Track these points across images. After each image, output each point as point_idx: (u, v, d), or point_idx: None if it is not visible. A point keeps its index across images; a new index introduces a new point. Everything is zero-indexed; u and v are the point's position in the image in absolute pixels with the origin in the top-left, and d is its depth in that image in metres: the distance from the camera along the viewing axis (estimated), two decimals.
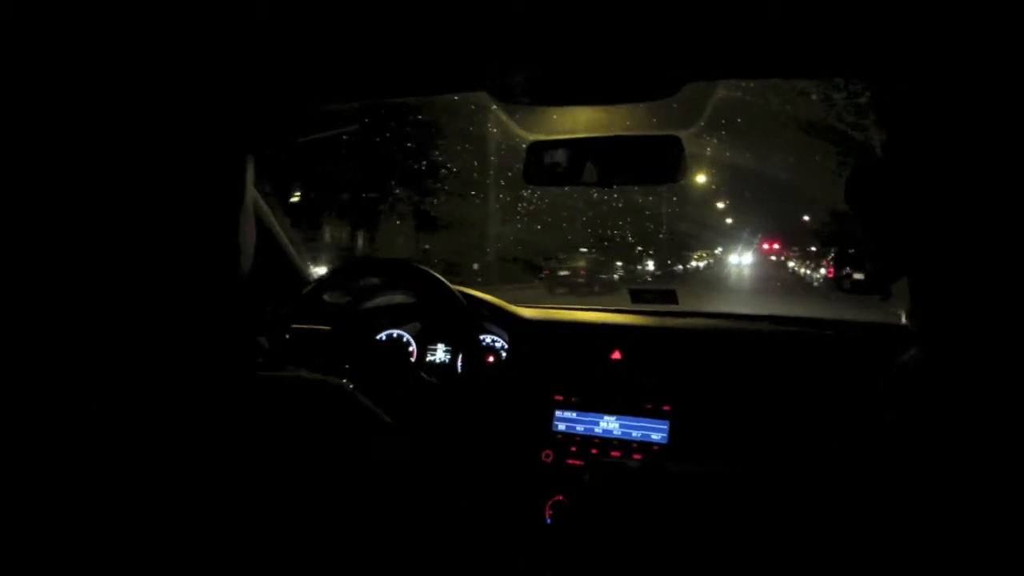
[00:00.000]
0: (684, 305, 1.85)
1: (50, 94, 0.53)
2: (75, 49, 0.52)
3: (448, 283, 1.56)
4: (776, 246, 43.67)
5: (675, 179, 1.36)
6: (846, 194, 0.54)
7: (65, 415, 0.53)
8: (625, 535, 1.26)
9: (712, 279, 27.24)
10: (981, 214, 0.44)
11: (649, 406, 1.43)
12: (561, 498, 1.39)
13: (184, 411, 0.57)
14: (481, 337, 1.71)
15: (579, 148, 1.39)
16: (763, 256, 42.83)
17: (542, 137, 1.41)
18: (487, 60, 1.05)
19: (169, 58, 0.56)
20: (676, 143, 1.33)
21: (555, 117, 1.46)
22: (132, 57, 0.54)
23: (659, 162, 1.37)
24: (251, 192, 0.66)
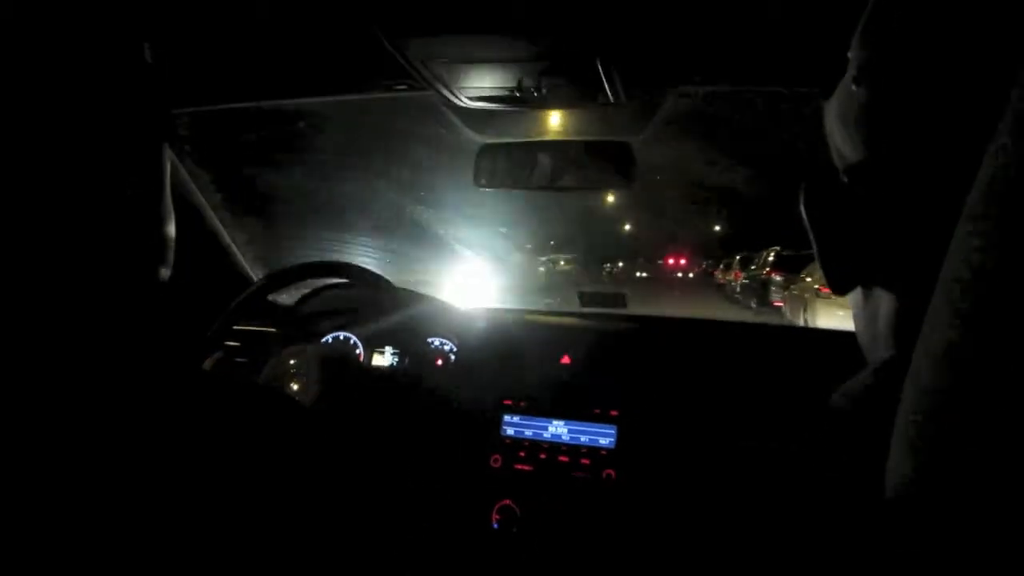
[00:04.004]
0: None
1: None
2: None
3: (395, 285, 1.54)
4: (683, 261, 34.61)
5: (626, 185, 1.38)
6: (804, 202, 0.55)
7: None
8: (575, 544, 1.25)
9: None
10: (942, 224, 0.44)
11: (598, 411, 1.43)
12: (508, 503, 1.38)
13: (101, 418, 0.54)
14: (429, 340, 1.69)
15: (529, 152, 1.39)
16: (667, 272, 34.02)
17: (492, 140, 1.41)
18: (436, 60, 1.04)
19: (74, 39, 0.53)
20: (626, 149, 1.35)
21: (506, 121, 1.45)
22: (36, 39, 0.51)
23: (609, 167, 1.38)
24: (168, 177, 0.63)
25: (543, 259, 22.73)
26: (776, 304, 11.12)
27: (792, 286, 10.42)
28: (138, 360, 0.60)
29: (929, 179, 0.45)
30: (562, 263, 23.64)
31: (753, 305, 12.60)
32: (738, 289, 14.67)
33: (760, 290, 12.42)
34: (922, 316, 0.43)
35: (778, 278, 11.54)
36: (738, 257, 16.17)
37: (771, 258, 12.29)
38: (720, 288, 18.52)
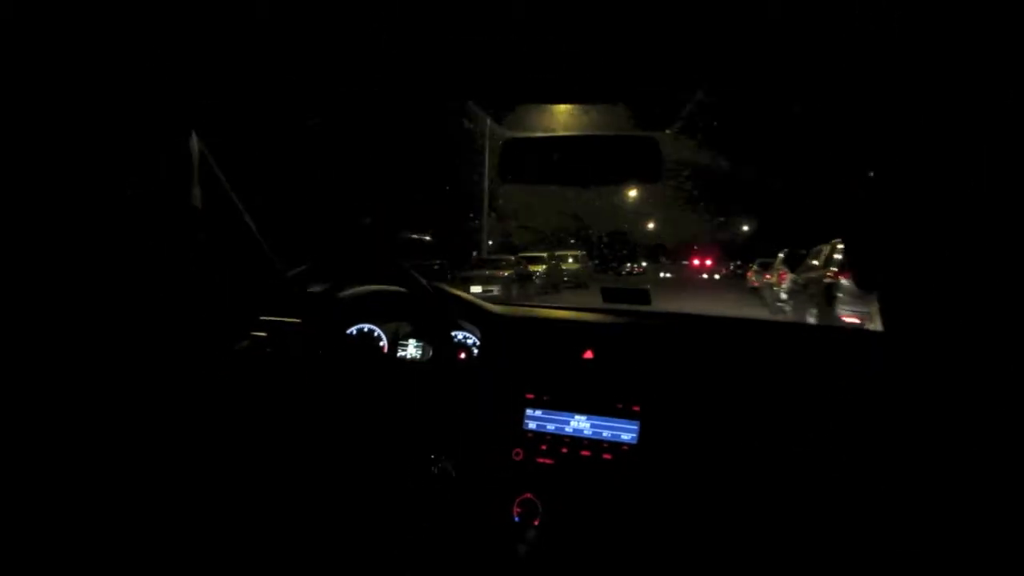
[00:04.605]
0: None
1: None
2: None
3: (421, 278, 1.55)
4: (709, 262, 32.36)
5: (652, 180, 1.37)
6: (833, 200, 0.55)
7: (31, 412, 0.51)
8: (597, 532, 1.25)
9: None
10: (962, 225, 0.44)
11: (620, 406, 1.43)
12: (530, 496, 1.39)
13: (146, 398, 0.56)
14: (453, 334, 1.70)
15: (554, 146, 1.39)
16: (693, 273, 31.72)
17: (518, 134, 1.41)
18: (467, 58, 1.04)
19: (106, 34, 0.54)
20: (652, 144, 1.33)
21: (532, 115, 1.45)
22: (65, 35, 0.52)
23: (635, 162, 1.37)
24: (197, 173, 0.64)
25: (544, 255, 18.76)
26: (850, 320, 7.73)
27: None
28: (170, 346, 0.61)
29: (954, 180, 0.44)
30: (570, 260, 19.97)
31: (811, 320, 8.76)
32: (783, 295, 10.87)
33: (820, 298, 8.63)
34: (948, 313, 0.43)
35: (850, 283, 7.65)
36: (781, 255, 12.25)
37: (838, 255, 8.40)
38: (754, 292, 15.24)
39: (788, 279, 10.77)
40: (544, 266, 17.17)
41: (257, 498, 1.25)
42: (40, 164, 0.52)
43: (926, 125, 0.45)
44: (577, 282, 18.27)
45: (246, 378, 1.52)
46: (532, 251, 18.20)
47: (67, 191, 0.53)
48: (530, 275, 15.40)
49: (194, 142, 0.67)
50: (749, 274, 17.79)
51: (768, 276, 13.14)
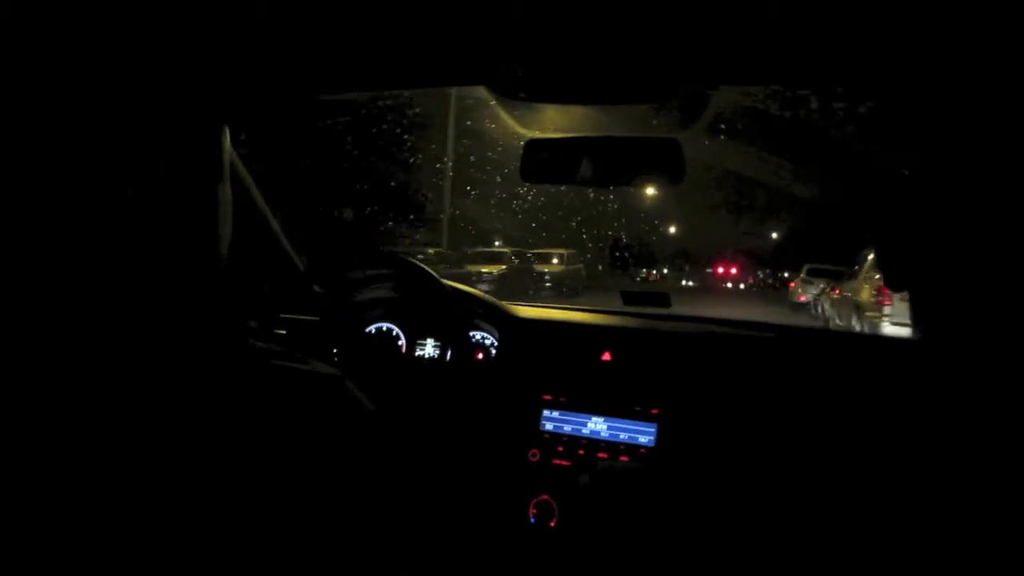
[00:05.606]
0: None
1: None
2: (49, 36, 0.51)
3: (440, 278, 1.56)
4: (734, 270, 30.32)
5: (673, 182, 1.36)
6: (867, 201, 0.54)
7: (52, 407, 0.52)
8: (618, 535, 1.25)
9: None
10: (996, 226, 0.43)
11: (638, 409, 1.42)
12: (546, 497, 1.38)
13: (167, 398, 0.56)
14: (471, 333, 1.70)
15: (576, 147, 1.39)
16: (718, 281, 29.26)
17: (539, 135, 1.41)
18: (486, 54, 1.04)
19: (138, 31, 0.54)
20: (675, 146, 1.33)
21: (553, 115, 1.45)
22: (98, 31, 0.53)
23: (657, 164, 1.36)
24: (228, 170, 0.65)
25: (506, 251, 14.24)
26: None
27: None
28: (188, 342, 0.62)
29: (995, 176, 0.44)
30: (554, 260, 15.23)
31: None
32: (890, 325, 6.92)
33: None
34: (989, 319, 0.42)
35: None
36: (872, 256, 7.60)
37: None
38: (799, 309, 12.06)
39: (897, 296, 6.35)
40: (501, 267, 12.91)
41: (266, 497, 1.26)
42: (60, 162, 0.53)
43: (961, 121, 0.45)
44: (559, 291, 14.31)
45: (263, 376, 1.53)
46: (516, 246, 14.49)
47: (90, 189, 0.54)
48: (467, 278, 11.15)
49: (226, 139, 0.68)
50: (793, 284, 13.98)
51: (838, 291, 9.05)
